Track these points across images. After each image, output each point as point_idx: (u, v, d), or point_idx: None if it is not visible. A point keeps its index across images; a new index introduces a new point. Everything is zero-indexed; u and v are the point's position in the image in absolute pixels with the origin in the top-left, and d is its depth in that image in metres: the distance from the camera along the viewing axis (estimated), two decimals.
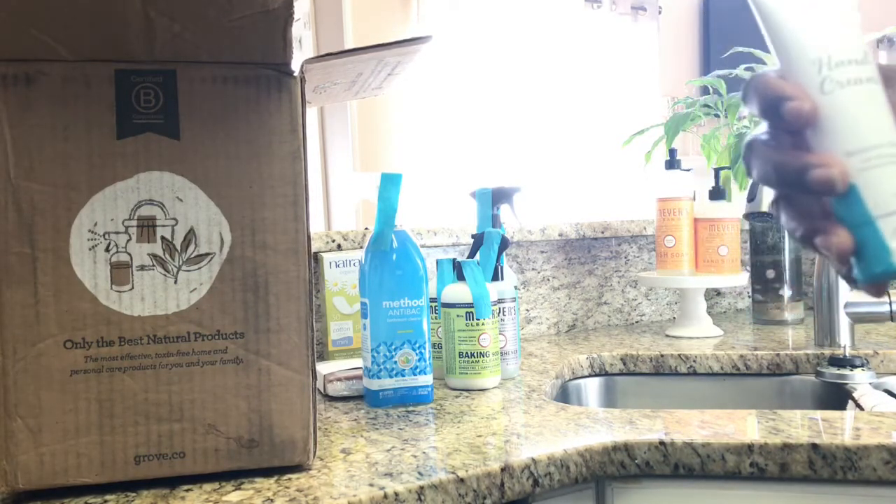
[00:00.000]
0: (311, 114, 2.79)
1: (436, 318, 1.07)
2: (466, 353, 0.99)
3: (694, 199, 1.34)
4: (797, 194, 0.37)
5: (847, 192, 0.35)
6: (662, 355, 1.22)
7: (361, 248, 1.21)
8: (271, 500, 0.62)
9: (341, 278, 1.15)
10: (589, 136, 3.45)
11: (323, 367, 1.02)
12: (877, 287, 0.38)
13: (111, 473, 0.65)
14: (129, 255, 0.65)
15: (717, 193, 1.36)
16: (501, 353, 1.06)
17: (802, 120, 0.36)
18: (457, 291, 1.00)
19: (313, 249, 1.15)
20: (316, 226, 2.80)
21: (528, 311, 1.43)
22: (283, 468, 0.69)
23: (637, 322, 1.57)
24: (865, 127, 0.35)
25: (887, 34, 2.25)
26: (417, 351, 0.92)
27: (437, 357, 1.06)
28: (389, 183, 0.89)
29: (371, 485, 0.65)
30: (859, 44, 0.36)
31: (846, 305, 1.20)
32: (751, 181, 1.23)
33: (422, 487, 0.65)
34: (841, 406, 1.08)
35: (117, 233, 0.65)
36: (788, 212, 0.39)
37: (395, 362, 0.92)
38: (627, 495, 0.77)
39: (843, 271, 0.38)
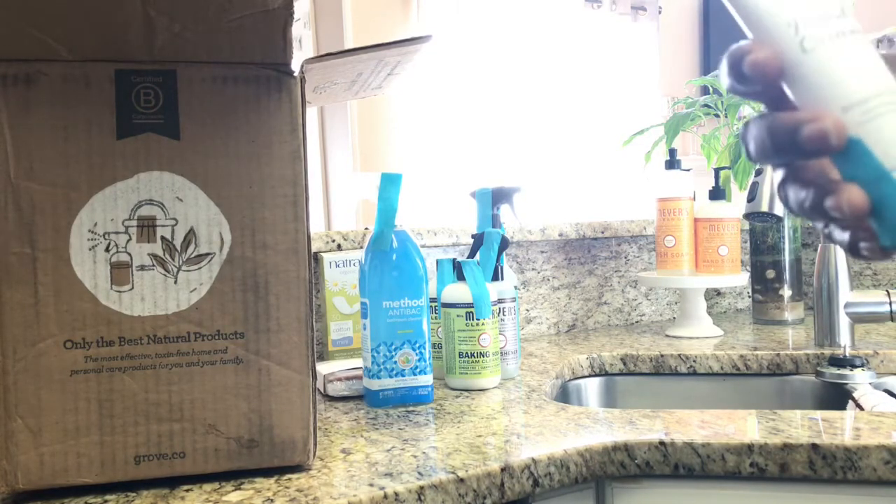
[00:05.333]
0: (311, 114, 2.79)
1: (436, 318, 1.07)
2: (466, 353, 0.99)
3: (694, 199, 1.34)
4: (797, 162, 0.36)
5: (849, 149, 0.33)
6: (662, 355, 1.22)
7: (361, 248, 1.21)
8: (271, 500, 0.62)
9: (341, 278, 1.15)
10: (589, 136, 3.45)
11: (323, 367, 1.02)
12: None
13: (111, 473, 0.65)
14: (129, 255, 0.65)
15: (717, 193, 1.36)
16: (501, 353, 1.06)
17: (762, 69, 0.35)
18: (457, 291, 1.00)
19: (313, 249, 1.15)
20: (316, 226, 2.80)
21: (528, 311, 1.43)
22: (283, 468, 0.69)
23: (637, 322, 1.57)
24: (858, 78, 0.33)
25: (887, 34, 2.26)
26: (417, 351, 0.92)
27: (437, 357, 1.06)
28: (389, 183, 0.89)
29: (371, 485, 0.65)
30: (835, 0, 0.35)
31: (846, 305, 1.20)
32: (751, 179, 1.23)
33: (422, 487, 0.65)
34: (841, 406, 1.08)
35: (117, 233, 0.65)
36: (794, 186, 0.37)
37: (395, 362, 0.92)
38: (627, 495, 0.77)
39: (864, 239, 0.36)
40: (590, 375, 1.23)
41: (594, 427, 0.80)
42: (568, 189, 3.39)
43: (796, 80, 0.34)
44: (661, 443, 0.75)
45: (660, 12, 3.68)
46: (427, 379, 0.93)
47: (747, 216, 1.23)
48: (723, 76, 0.37)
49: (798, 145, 0.34)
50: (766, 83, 0.35)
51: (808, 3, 0.34)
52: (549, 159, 3.35)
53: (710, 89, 1.65)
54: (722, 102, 1.57)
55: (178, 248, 0.66)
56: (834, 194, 0.34)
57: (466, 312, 0.99)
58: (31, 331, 0.63)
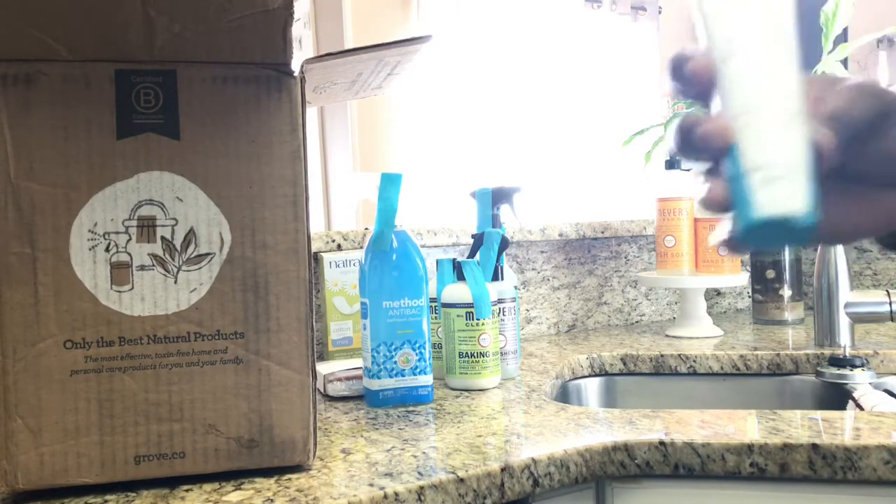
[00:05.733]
0: (311, 114, 2.79)
1: (436, 318, 1.07)
2: (466, 353, 0.99)
3: (694, 199, 1.34)
4: (697, 156, 0.39)
5: (732, 151, 0.37)
6: (662, 355, 1.22)
7: (361, 248, 1.21)
8: (271, 500, 0.62)
9: (341, 278, 1.15)
10: (589, 136, 3.44)
11: (323, 367, 1.02)
12: (742, 245, 0.40)
13: (111, 473, 0.65)
14: (129, 255, 0.65)
15: None
16: (501, 353, 1.06)
17: (697, 75, 0.39)
18: (457, 291, 1.00)
19: (313, 249, 1.15)
20: (316, 226, 2.80)
21: (528, 311, 1.43)
22: (283, 468, 0.69)
23: (637, 322, 1.56)
24: (754, 90, 0.38)
25: (887, 34, 2.26)
26: (417, 351, 0.92)
27: (437, 357, 1.06)
28: (389, 183, 0.89)
29: (371, 485, 0.65)
30: (777, 23, 0.38)
31: (846, 305, 1.20)
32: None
33: (422, 487, 0.65)
34: (841, 406, 1.08)
35: (117, 233, 0.65)
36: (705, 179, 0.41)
37: (395, 362, 0.92)
38: (627, 495, 0.77)
39: (724, 234, 0.40)
40: (590, 375, 1.23)
41: (594, 427, 0.80)
42: (568, 189, 3.39)
43: (718, 87, 0.39)
44: (661, 443, 0.75)
45: (660, 12, 3.68)
46: (427, 379, 0.93)
47: None
48: (666, 79, 0.41)
49: (694, 143, 0.38)
50: (699, 86, 0.40)
51: (745, 23, 0.38)
52: (549, 159, 3.35)
53: None
54: None
55: (178, 248, 0.66)
56: (708, 188, 0.39)
57: (466, 312, 0.99)
58: (31, 331, 0.63)
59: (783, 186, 0.36)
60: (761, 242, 0.39)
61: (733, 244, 0.40)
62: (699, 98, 0.41)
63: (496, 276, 1.07)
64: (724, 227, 0.40)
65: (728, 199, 0.38)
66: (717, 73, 0.39)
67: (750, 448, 0.74)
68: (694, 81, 0.39)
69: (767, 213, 0.36)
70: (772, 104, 0.38)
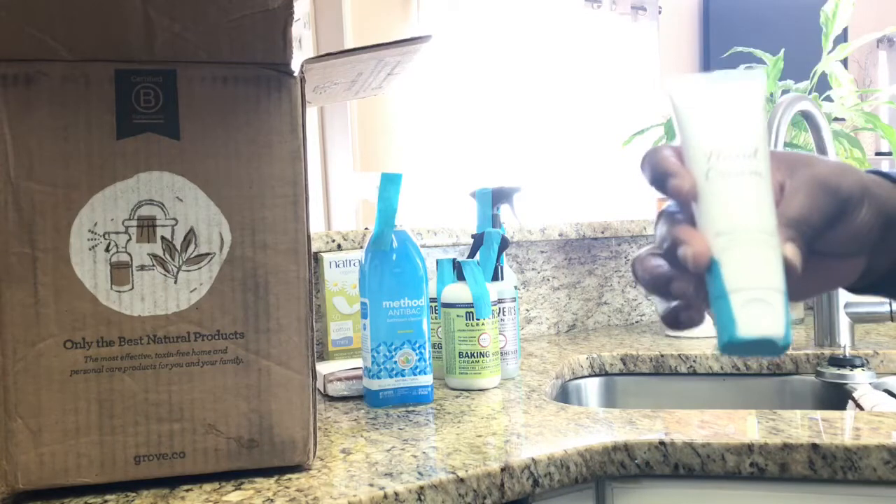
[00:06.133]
0: (311, 114, 2.79)
1: (436, 318, 1.07)
2: (466, 353, 0.99)
3: None
4: (676, 262, 0.42)
5: (711, 269, 0.39)
6: (662, 355, 1.22)
7: (361, 248, 1.21)
8: (271, 500, 0.62)
9: (341, 278, 1.15)
10: (589, 136, 3.45)
11: (323, 367, 1.02)
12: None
13: (111, 473, 0.65)
14: (129, 255, 0.65)
15: None
16: (501, 353, 1.06)
17: (682, 195, 0.41)
18: (457, 291, 1.00)
19: (313, 249, 1.15)
20: (316, 226, 2.80)
21: (528, 311, 1.43)
22: (283, 468, 0.69)
23: (637, 322, 1.57)
24: (734, 212, 0.40)
25: (887, 34, 2.26)
26: (417, 351, 0.92)
27: (437, 357, 1.06)
28: (389, 183, 0.89)
29: (371, 485, 0.65)
30: (753, 141, 0.41)
31: (846, 305, 1.20)
32: None
33: (422, 487, 0.65)
34: (841, 406, 1.08)
35: (117, 233, 0.65)
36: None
37: (395, 362, 0.92)
38: (627, 495, 0.77)
39: (684, 310, 0.43)
40: (590, 375, 1.23)
41: (594, 427, 0.80)
42: (568, 189, 3.39)
43: (698, 201, 0.41)
44: (661, 443, 0.75)
45: (660, 12, 3.68)
46: (427, 379, 0.93)
47: None
48: (645, 176, 0.43)
49: (676, 259, 0.41)
50: (680, 202, 0.42)
51: (727, 142, 0.41)
52: (549, 159, 3.35)
53: None
54: None
55: (178, 248, 0.66)
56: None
57: (466, 312, 0.99)
58: (31, 331, 0.63)
59: (763, 308, 0.38)
60: (739, 354, 0.40)
61: (682, 326, 0.43)
62: (679, 207, 0.43)
63: (496, 276, 1.07)
64: (662, 305, 0.43)
65: (696, 321, 0.42)
66: (697, 191, 0.41)
67: (750, 448, 0.74)
68: (676, 198, 0.42)
69: (750, 336, 0.38)
70: (751, 224, 0.40)
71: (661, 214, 0.43)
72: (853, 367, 1.10)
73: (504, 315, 1.07)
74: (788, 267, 0.40)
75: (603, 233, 1.49)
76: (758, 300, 0.38)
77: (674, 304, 0.43)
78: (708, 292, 0.40)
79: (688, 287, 0.41)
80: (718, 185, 0.40)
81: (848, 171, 0.44)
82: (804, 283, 0.45)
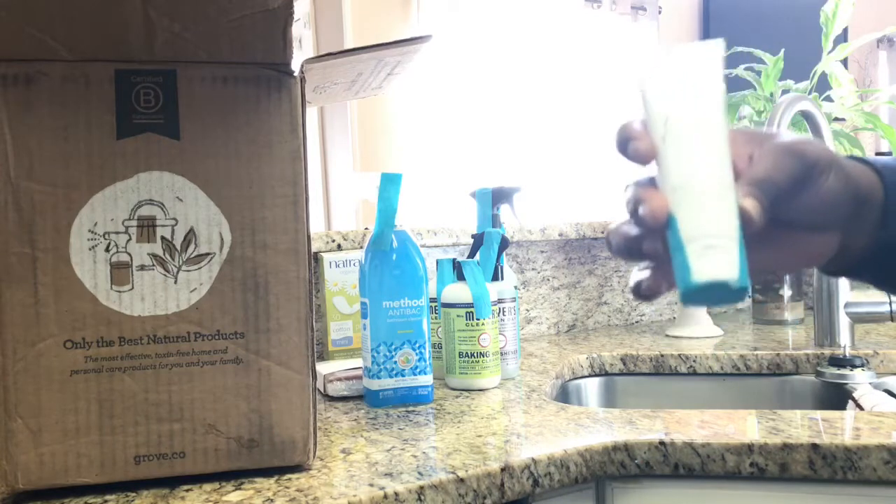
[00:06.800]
0: (311, 114, 2.79)
1: (436, 318, 1.07)
2: (466, 353, 0.99)
3: None
4: (642, 224, 0.44)
5: (670, 223, 0.42)
6: (662, 355, 1.22)
7: (361, 248, 1.21)
8: (271, 500, 0.62)
9: (341, 278, 1.15)
10: (589, 135, 3.44)
11: (323, 367, 1.02)
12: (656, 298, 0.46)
13: (111, 473, 0.65)
14: (129, 255, 0.65)
15: None
16: (501, 353, 1.06)
17: (640, 156, 0.44)
18: (457, 291, 1.00)
19: (313, 249, 1.15)
20: (316, 226, 2.80)
21: (528, 311, 1.43)
22: (283, 468, 0.69)
23: (637, 322, 1.57)
24: (688, 168, 0.42)
25: (887, 34, 2.25)
26: (417, 351, 0.92)
27: (437, 357, 1.06)
28: (389, 183, 0.89)
29: (371, 485, 0.65)
30: (707, 104, 0.43)
31: (846, 305, 1.20)
32: None
33: (422, 487, 0.65)
34: (841, 406, 1.08)
35: (117, 233, 0.65)
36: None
37: (395, 362, 0.92)
38: (627, 495, 0.77)
39: (648, 281, 0.46)
40: (590, 375, 1.23)
41: (594, 427, 0.80)
42: (568, 189, 3.39)
43: (658, 163, 0.43)
44: (661, 443, 0.75)
45: (660, 12, 3.68)
46: (427, 379, 0.93)
47: None
48: (615, 145, 0.45)
49: (638, 218, 0.43)
50: (641, 164, 0.45)
51: (680, 104, 0.43)
52: (549, 159, 3.35)
53: None
54: None
55: (178, 248, 0.66)
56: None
57: (466, 312, 0.99)
58: (31, 331, 0.63)
59: (717, 254, 0.40)
60: (699, 303, 0.43)
61: (644, 294, 0.46)
62: (644, 175, 0.46)
63: (496, 276, 1.07)
64: (638, 274, 0.46)
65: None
66: (656, 151, 0.43)
67: (750, 448, 0.74)
68: (637, 159, 0.44)
69: (704, 280, 0.40)
70: (704, 178, 0.42)
71: (628, 185, 0.46)
72: (853, 367, 1.10)
73: (504, 315, 1.07)
74: (746, 217, 0.41)
75: (603, 233, 1.49)
76: (712, 246, 0.40)
77: (640, 275, 0.46)
78: (670, 245, 0.42)
79: (656, 245, 0.43)
80: (674, 146, 0.43)
81: (816, 143, 0.45)
82: (775, 255, 0.47)
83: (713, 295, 0.41)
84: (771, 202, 0.43)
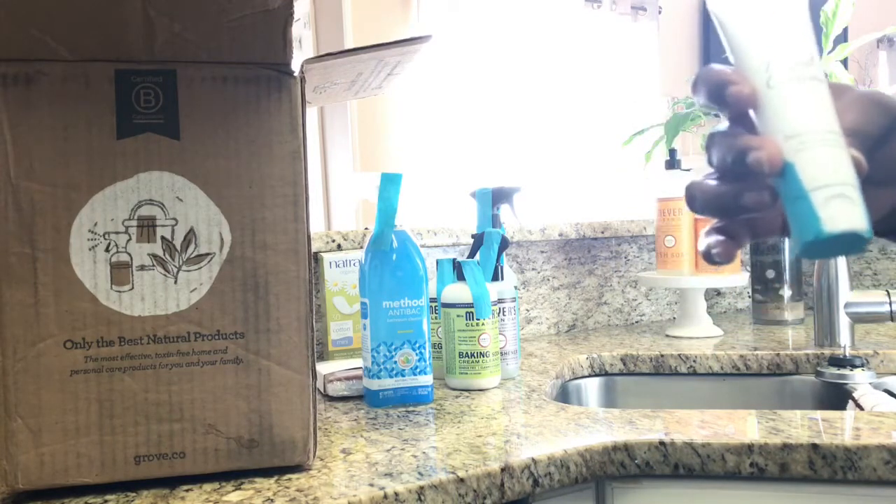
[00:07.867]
0: (311, 114, 2.79)
1: (436, 318, 1.07)
2: (466, 353, 0.99)
3: None
4: (744, 174, 0.41)
5: (785, 171, 0.40)
6: (662, 355, 1.22)
7: (361, 248, 1.21)
8: (271, 500, 0.62)
9: (341, 278, 1.15)
10: (589, 135, 3.45)
11: (323, 367, 1.02)
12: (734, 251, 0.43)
13: (111, 473, 0.65)
14: (129, 255, 0.65)
15: None
16: (501, 353, 1.06)
17: (742, 101, 0.41)
18: (457, 291, 1.00)
19: (313, 249, 1.15)
20: (316, 226, 2.80)
21: (528, 311, 1.43)
22: (283, 468, 0.69)
23: (637, 322, 1.57)
24: (803, 115, 0.40)
25: (887, 34, 2.26)
26: (417, 351, 0.92)
27: (437, 357, 1.06)
28: (389, 183, 0.89)
29: (371, 485, 0.65)
30: (805, 48, 0.41)
31: (846, 305, 1.20)
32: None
33: (422, 487, 0.65)
34: (841, 406, 1.08)
35: (117, 233, 0.65)
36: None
37: (395, 362, 0.92)
38: (627, 495, 0.77)
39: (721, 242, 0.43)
40: (590, 375, 1.23)
41: (594, 427, 0.80)
42: (568, 189, 3.39)
43: (760, 110, 0.41)
44: (661, 443, 0.75)
45: (660, 12, 3.68)
46: (427, 379, 0.93)
47: None
48: (699, 96, 0.42)
49: (746, 166, 0.40)
50: (741, 111, 0.41)
51: (783, 50, 0.41)
52: (549, 159, 3.35)
53: None
54: None
55: (178, 248, 0.66)
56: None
57: (466, 312, 0.99)
58: (31, 331, 0.63)
59: (846, 203, 0.39)
60: (821, 255, 0.41)
61: (717, 260, 0.43)
62: (736, 120, 0.42)
63: (496, 276, 1.07)
64: (707, 236, 0.43)
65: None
66: (760, 99, 0.41)
67: (750, 448, 0.74)
68: (736, 105, 0.41)
69: (837, 230, 0.38)
70: (821, 125, 0.40)
71: (712, 136, 0.42)
72: (853, 367, 1.10)
73: (504, 315, 1.07)
74: (858, 167, 0.40)
75: (603, 233, 1.49)
76: (840, 195, 0.39)
77: (709, 239, 0.43)
78: (782, 197, 0.40)
79: (763, 195, 0.41)
80: (782, 91, 0.41)
81: (888, 96, 0.44)
82: None
83: (839, 246, 0.39)
84: (864, 154, 0.41)
